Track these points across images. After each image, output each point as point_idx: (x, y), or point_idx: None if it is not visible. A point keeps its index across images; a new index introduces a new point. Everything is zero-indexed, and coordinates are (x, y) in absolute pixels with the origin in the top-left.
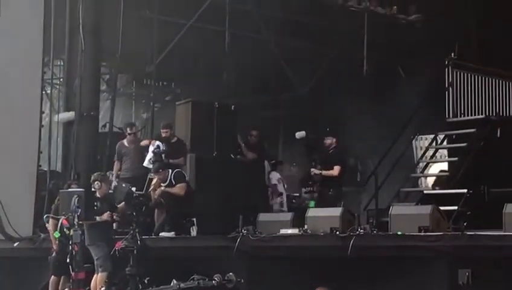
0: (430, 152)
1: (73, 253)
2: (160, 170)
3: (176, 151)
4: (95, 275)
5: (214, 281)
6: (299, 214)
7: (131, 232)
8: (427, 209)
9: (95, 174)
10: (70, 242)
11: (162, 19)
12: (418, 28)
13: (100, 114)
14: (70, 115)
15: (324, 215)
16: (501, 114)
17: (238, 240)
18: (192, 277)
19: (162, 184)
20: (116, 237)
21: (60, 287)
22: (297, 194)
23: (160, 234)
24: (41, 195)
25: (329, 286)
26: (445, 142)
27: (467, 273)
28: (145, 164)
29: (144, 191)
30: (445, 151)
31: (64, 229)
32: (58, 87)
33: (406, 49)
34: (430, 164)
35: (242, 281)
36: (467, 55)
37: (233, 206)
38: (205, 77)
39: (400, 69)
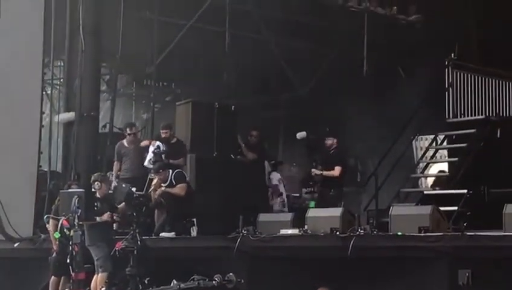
0: (430, 152)
1: (74, 253)
2: (161, 170)
3: (175, 151)
4: (95, 276)
5: (214, 282)
6: (299, 214)
7: (132, 232)
8: (427, 209)
9: (95, 174)
10: (71, 243)
11: (162, 20)
12: (418, 28)
13: (100, 114)
14: (70, 115)
15: (324, 216)
16: (501, 114)
17: (238, 240)
18: (192, 277)
19: (162, 184)
20: (117, 237)
21: (60, 288)
22: (298, 195)
23: (160, 235)
24: (41, 195)
25: (330, 286)
26: (445, 143)
27: (467, 274)
28: (146, 164)
29: (144, 192)
30: (445, 152)
31: (65, 230)
32: (58, 87)
33: (406, 49)
34: (430, 165)
35: (242, 281)
36: (467, 55)
37: (233, 207)
38: (205, 77)
39: (400, 70)
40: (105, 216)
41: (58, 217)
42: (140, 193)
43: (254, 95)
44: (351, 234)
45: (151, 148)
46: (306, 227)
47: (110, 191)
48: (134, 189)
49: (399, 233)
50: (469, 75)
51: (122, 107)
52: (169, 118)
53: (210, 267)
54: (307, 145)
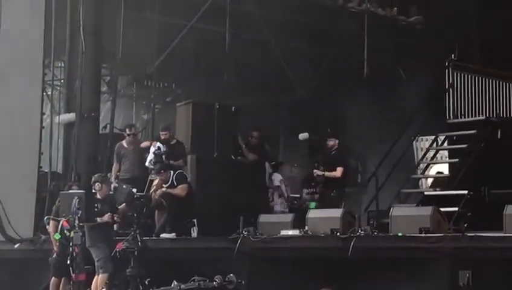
0: (431, 153)
1: (74, 255)
2: (162, 171)
3: (175, 153)
4: (95, 277)
5: (214, 283)
6: (299, 215)
7: (132, 233)
8: (427, 210)
9: (96, 175)
10: (71, 244)
11: (162, 20)
12: (418, 29)
13: (101, 115)
14: (71, 116)
15: (325, 217)
16: (501, 115)
17: (239, 241)
18: (192, 278)
19: (163, 185)
20: (117, 238)
21: (60, 289)
22: (298, 195)
23: (161, 235)
24: (42, 196)
25: (333, 287)
26: (445, 144)
27: (468, 275)
28: (147, 164)
29: (144, 193)
30: (445, 153)
31: (65, 231)
32: (59, 88)
33: (406, 50)
34: (431, 165)
35: (243, 282)
36: (467, 56)
37: (233, 208)
38: (206, 77)
39: (401, 70)
40: (106, 217)
41: (59, 218)
42: (141, 193)
43: (254, 95)
44: (352, 235)
45: (152, 149)
46: (306, 228)
47: (110, 192)
48: (134, 190)
49: (399, 234)
50: (469, 76)
51: (122, 108)
52: (169, 118)
53: (210, 268)
54: (309, 146)
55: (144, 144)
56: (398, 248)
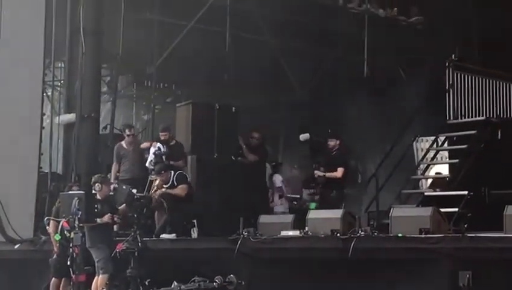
0: (431, 154)
1: (74, 255)
2: (163, 172)
3: (175, 153)
4: (95, 277)
5: (214, 283)
6: (299, 216)
7: (132, 234)
8: (427, 211)
9: (96, 176)
10: (71, 244)
11: (162, 21)
12: (418, 29)
13: (101, 116)
14: (71, 116)
15: (325, 217)
16: (502, 116)
17: (239, 242)
18: (193, 279)
19: (164, 185)
20: (117, 239)
21: None
22: (298, 196)
23: (161, 236)
24: (42, 197)
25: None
26: (445, 144)
27: (468, 275)
28: (147, 165)
29: (144, 193)
30: (446, 153)
31: (65, 232)
32: (59, 89)
33: (407, 50)
34: (431, 166)
35: (243, 283)
36: (468, 56)
37: (234, 208)
38: (206, 78)
39: (401, 71)
40: (106, 218)
41: (59, 219)
42: (141, 194)
43: (254, 95)
44: (352, 235)
45: (152, 150)
46: (307, 229)
47: (110, 193)
48: (134, 191)
49: (400, 235)
50: (470, 77)
51: (122, 109)
52: (169, 119)
53: (211, 269)
54: (310, 147)
55: (144, 145)
56: (398, 249)
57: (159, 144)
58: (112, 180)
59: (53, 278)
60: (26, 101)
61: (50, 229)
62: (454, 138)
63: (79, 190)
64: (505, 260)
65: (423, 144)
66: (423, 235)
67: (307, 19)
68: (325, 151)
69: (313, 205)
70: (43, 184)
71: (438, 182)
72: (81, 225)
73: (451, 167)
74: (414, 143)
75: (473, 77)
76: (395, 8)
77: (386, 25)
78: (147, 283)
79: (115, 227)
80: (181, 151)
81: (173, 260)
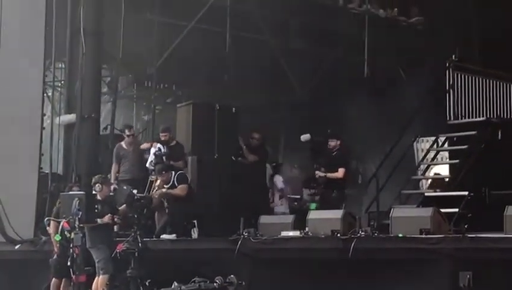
0: (431, 154)
1: (74, 256)
2: (164, 172)
3: (175, 154)
4: (96, 278)
5: (215, 284)
6: (300, 216)
7: (133, 234)
8: (428, 211)
9: (96, 176)
10: (71, 245)
11: (162, 21)
12: (419, 30)
13: (101, 116)
14: (71, 117)
15: (325, 218)
16: (502, 116)
17: (239, 242)
18: (193, 279)
19: (165, 186)
20: (117, 239)
21: None
22: (298, 196)
23: (161, 236)
24: (42, 197)
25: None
26: (446, 145)
27: (468, 276)
28: (147, 165)
29: (144, 194)
30: (446, 154)
31: (65, 232)
32: (59, 89)
33: (407, 51)
34: (431, 166)
35: (243, 283)
36: (468, 57)
37: (234, 209)
38: (206, 78)
39: (401, 71)
40: (106, 218)
41: (59, 220)
42: (141, 195)
43: (255, 96)
44: (352, 236)
45: (153, 150)
46: (307, 229)
47: (111, 193)
48: (135, 191)
49: (400, 235)
50: (470, 77)
51: (123, 109)
52: (170, 119)
53: (211, 269)
54: (312, 147)
55: (144, 146)
56: (398, 249)
57: (159, 145)
58: (111, 181)
59: (53, 279)
60: (27, 101)
61: (50, 229)
62: (455, 139)
63: (79, 191)
64: (505, 260)
65: (423, 144)
66: (423, 236)
67: (307, 19)
68: (326, 151)
69: (313, 205)
70: (43, 185)
71: (437, 182)
72: (81, 225)
73: (452, 167)
74: (414, 143)
75: (473, 77)
76: (396, 9)
77: (386, 25)
78: (147, 284)
79: (115, 227)
80: (181, 151)
81: (173, 261)
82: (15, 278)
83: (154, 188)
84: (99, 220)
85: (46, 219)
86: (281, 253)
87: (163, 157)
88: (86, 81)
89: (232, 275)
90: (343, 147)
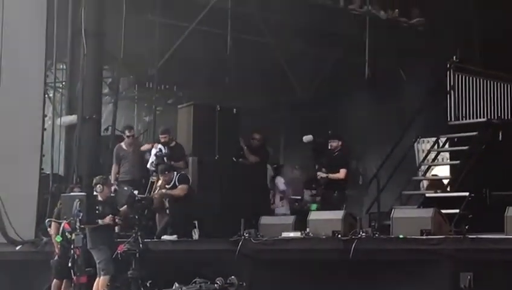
0: (432, 155)
1: (75, 257)
2: (167, 172)
3: (175, 155)
4: (97, 279)
5: (216, 285)
6: (301, 217)
7: (134, 235)
8: (428, 212)
9: (97, 177)
10: (72, 246)
11: (163, 22)
12: (419, 31)
13: (102, 117)
14: (72, 118)
15: (326, 219)
16: (503, 117)
17: (240, 243)
18: (194, 280)
19: (166, 186)
20: (118, 240)
21: None
22: (299, 197)
23: (162, 237)
24: (43, 198)
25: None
26: (447, 145)
27: (469, 277)
28: (148, 166)
29: (145, 194)
30: (447, 154)
31: (66, 233)
32: (60, 90)
33: (408, 52)
34: (432, 167)
35: (244, 284)
36: (469, 58)
37: (235, 210)
38: (207, 80)
39: (402, 72)
40: (107, 219)
41: (60, 221)
42: (142, 195)
43: (256, 97)
44: (353, 236)
45: (153, 151)
46: (308, 230)
47: (111, 194)
48: (136, 192)
49: (401, 236)
50: (471, 78)
51: (124, 110)
52: (171, 120)
53: (212, 270)
54: (314, 148)
55: (145, 147)
56: (399, 250)
57: (160, 146)
58: (112, 182)
59: (54, 280)
60: (28, 102)
61: (51, 230)
62: (456, 139)
63: (80, 192)
64: (506, 261)
65: (424, 145)
66: (424, 237)
67: (308, 21)
68: (327, 152)
69: (314, 206)
70: (44, 185)
71: (434, 184)
72: (82, 226)
73: (453, 168)
74: (415, 144)
75: (474, 78)
76: (396, 10)
77: (387, 26)
78: (148, 285)
79: (116, 228)
80: (181, 152)
81: (174, 262)
82: (16, 279)
83: (155, 189)
84: (100, 221)
85: (47, 220)
86: (282, 254)
87: (164, 158)
88: (87, 82)
89: (232, 276)
90: (344, 148)
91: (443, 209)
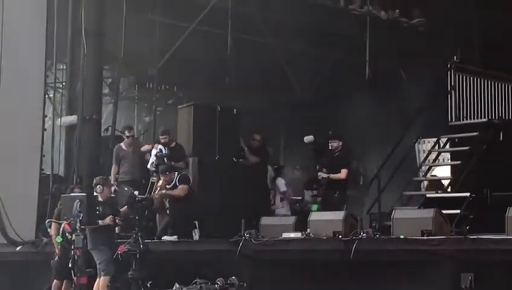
0: (433, 155)
1: (76, 257)
2: (168, 172)
3: (175, 155)
4: (97, 279)
5: (216, 285)
6: (301, 217)
7: (134, 236)
8: (429, 212)
9: (97, 178)
10: (73, 247)
11: (164, 22)
12: (420, 31)
13: (102, 118)
14: (72, 118)
15: (327, 219)
16: (504, 117)
17: (241, 243)
18: (194, 281)
19: (167, 186)
20: (119, 241)
21: None
22: (300, 198)
23: (162, 238)
24: (44, 199)
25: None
26: (447, 146)
27: (470, 277)
28: (149, 166)
29: (146, 195)
30: (447, 155)
31: (67, 234)
32: (60, 91)
33: (408, 52)
34: (433, 168)
35: (244, 284)
36: (469, 58)
37: (235, 210)
38: (207, 80)
39: (402, 72)
40: (108, 220)
41: (60, 221)
42: (143, 196)
43: (256, 97)
44: (354, 237)
45: (154, 152)
46: (308, 230)
47: (112, 195)
48: (136, 192)
49: (401, 236)
50: (471, 78)
51: (124, 110)
52: (171, 121)
53: (212, 271)
54: (315, 149)
55: (145, 148)
56: (400, 251)
57: (160, 146)
58: (112, 182)
59: (54, 280)
60: (28, 102)
61: (52, 231)
62: (456, 140)
63: (80, 192)
64: (507, 261)
65: (425, 145)
66: (425, 237)
67: (308, 21)
68: (328, 152)
69: (314, 206)
70: (44, 186)
71: (435, 184)
72: (82, 227)
73: (453, 168)
74: (416, 144)
75: (475, 79)
76: (397, 10)
77: (387, 26)
78: (148, 285)
79: (117, 229)
80: (182, 153)
81: (175, 262)
82: (16, 280)
83: (156, 189)
84: (100, 222)
85: (47, 221)
86: (282, 254)
87: (165, 159)
88: (87, 82)
89: (233, 277)
90: (345, 148)
91: (444, 209)
